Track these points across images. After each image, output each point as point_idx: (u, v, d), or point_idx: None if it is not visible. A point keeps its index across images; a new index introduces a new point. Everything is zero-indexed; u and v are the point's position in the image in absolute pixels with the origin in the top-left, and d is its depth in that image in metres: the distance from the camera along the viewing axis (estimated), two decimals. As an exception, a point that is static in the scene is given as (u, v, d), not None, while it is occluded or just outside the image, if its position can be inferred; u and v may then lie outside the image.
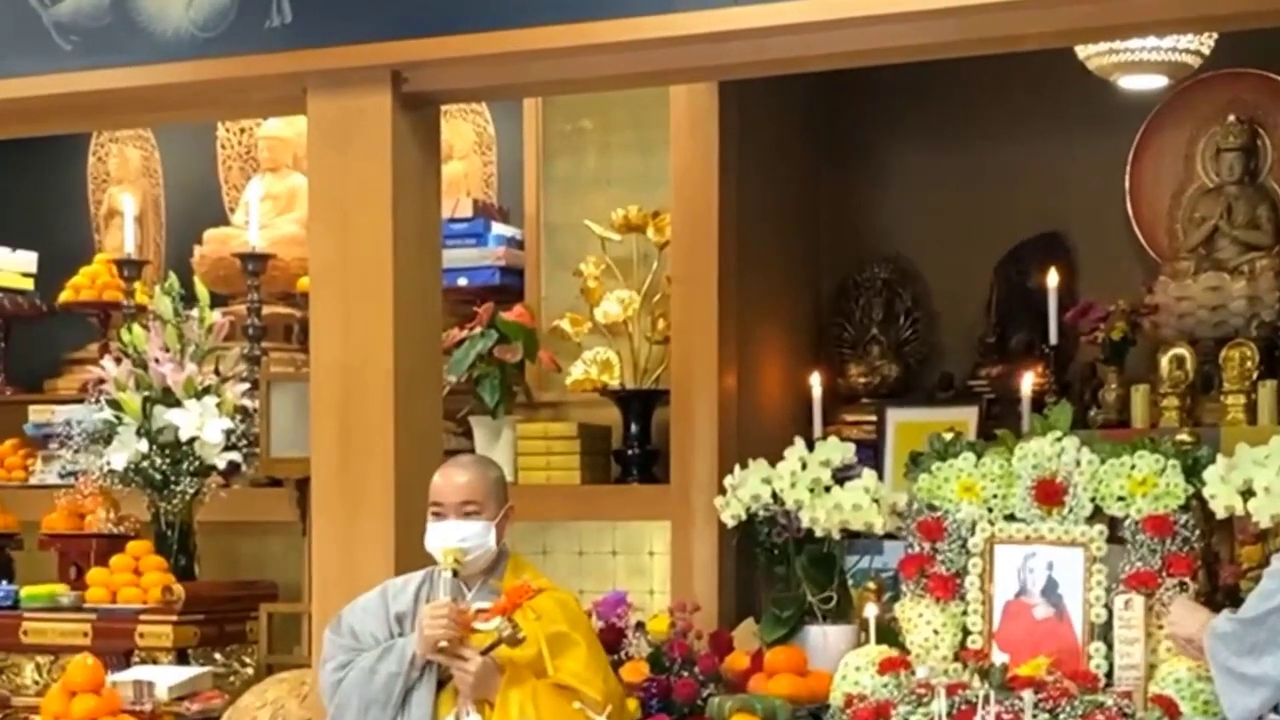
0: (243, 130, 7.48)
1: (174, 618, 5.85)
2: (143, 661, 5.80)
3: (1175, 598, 4.31)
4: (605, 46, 4.71)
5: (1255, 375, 5.88)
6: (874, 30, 4.49)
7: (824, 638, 4.91)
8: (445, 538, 4.27)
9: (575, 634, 4.22)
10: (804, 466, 4.99)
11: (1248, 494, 4.37)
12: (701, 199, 6.04)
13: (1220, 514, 4.42)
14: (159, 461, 6.00)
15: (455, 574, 4.24)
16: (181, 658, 5.83)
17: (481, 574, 4.34)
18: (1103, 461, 4.54)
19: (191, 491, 6.05)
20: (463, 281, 6.52)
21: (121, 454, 6.01)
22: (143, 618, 5.88)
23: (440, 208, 5.40)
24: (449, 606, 4.16)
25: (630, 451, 6.31)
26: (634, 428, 6.30)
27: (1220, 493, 4.41)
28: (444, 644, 4.15)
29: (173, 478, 6.01)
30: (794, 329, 6.62)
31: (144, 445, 6.02)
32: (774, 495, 4.98)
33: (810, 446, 5.04)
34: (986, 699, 4.14)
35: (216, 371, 6.22)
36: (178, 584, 5.93)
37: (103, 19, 5.22)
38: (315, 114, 5.10)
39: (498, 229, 6.66)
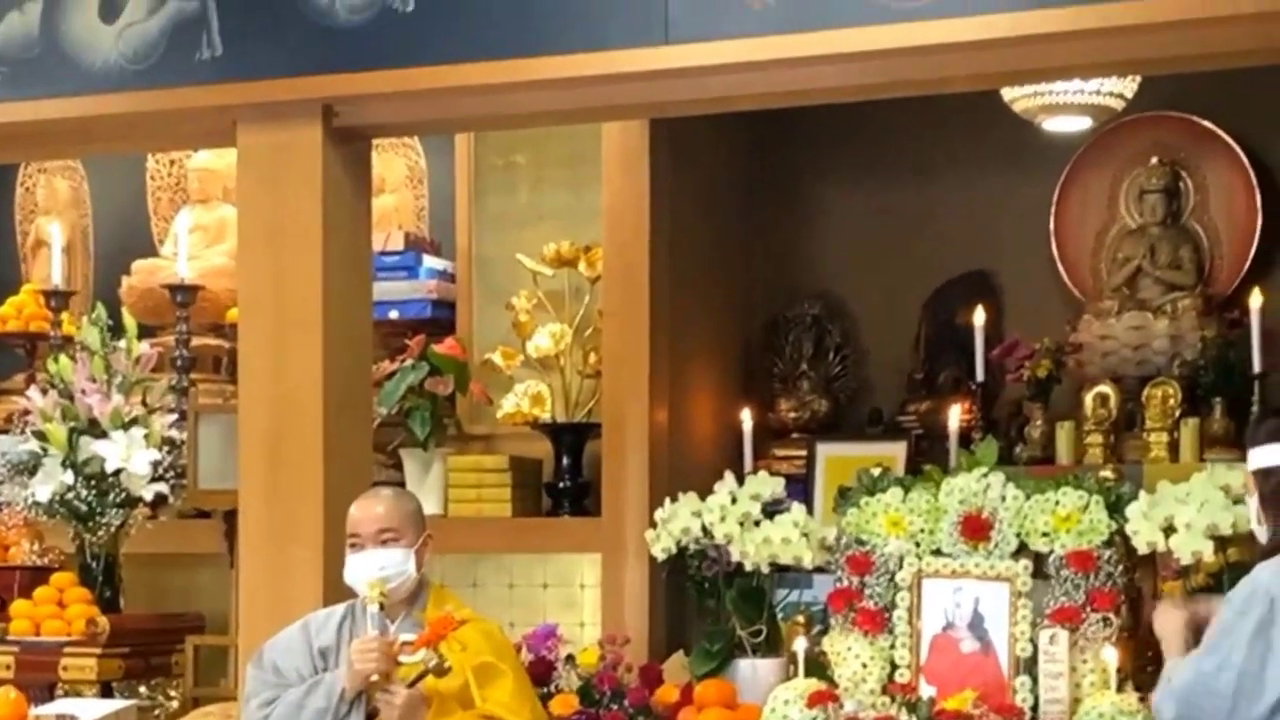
0: (172, 162, 7.46)
1: (98, 650, 5.79)
2: (67, 694, 5.74)
3: (1161, 600, 4.33)
4: (538, 83, 4.73)
5: (1177, 413, 5.95)
6: (805, 71, 4.54)
7: (753, 671, 4.92)
8: (365, 568, 4.27)
9: (502, 664, 4.23)
10: (734, 500, 5.01)
11: (1169, 530, 4.42)
12: (633, 234, 6.08)
13: (1143, 550, 4.47)
14: (85, 493, 5.95)
15: (381, 607, 4.24)
16: (106, 691, 5.77)
17: (404, 606, 4.34)
18: (1028, 497, 4.58)
19: (117, 523, 6.01)
20: (394, 314, 6.52)
21: (47, 485, 5.96)
22: (67, 650, 5.83)
23: (371, 241, 5.42)
24: (378, 640, 4.16)
25: (561, 484, 6.32)
26: (565, 461, 6.31)
27: (1143, 529, 4.46)
28: (373, 677, 4.15)
29: (98, 509, 5.96)
30: (725, 364, 6.66)
31: (69, 477, 5.97)
32: (704, 529, 5.00)
33: (740, 481, 5.07)
34: (913, 732, 4.17)
35: (144, 403, 6.18)
36: (102, 616, 5.88)
37: (32, 49, 5.20)
38: (245, 147, 5.10)
39: (429, 262, 6.67)
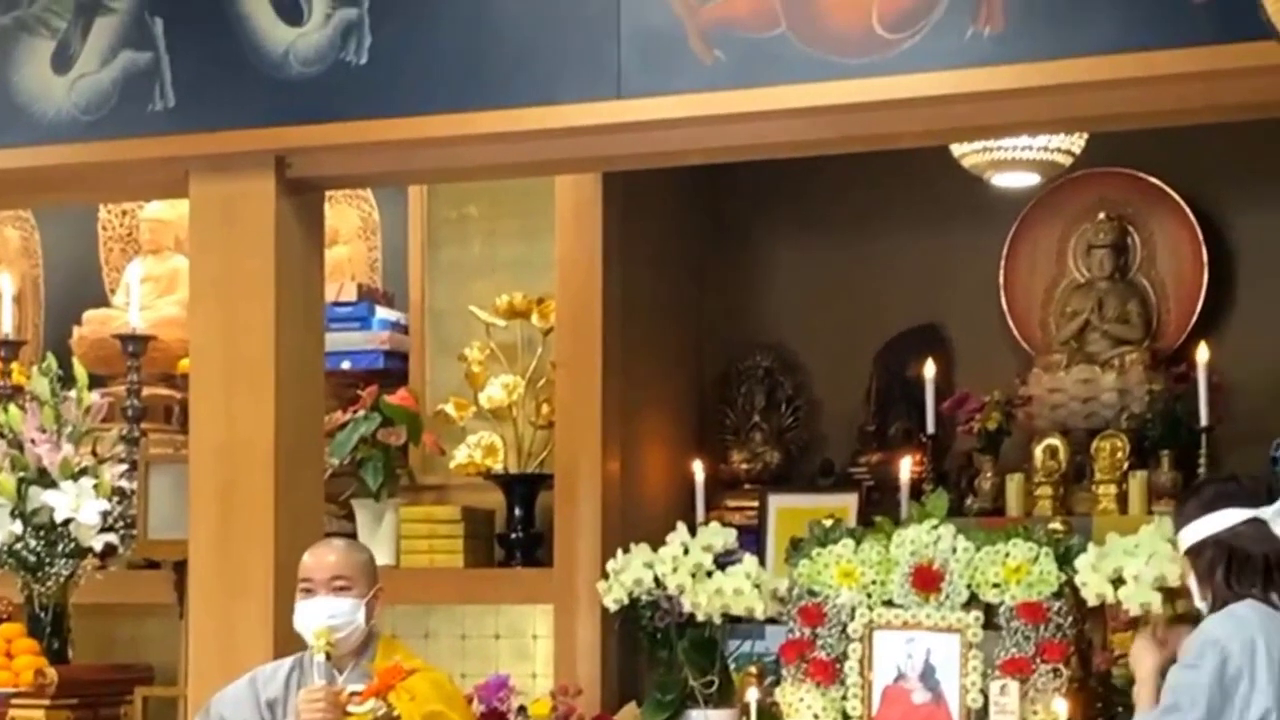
0: (124, 212, 7.44)
1: (46, 702, 5.74)
2: (14, 747, 5.70)
3: (1140, 631, 4.32)
4: (489, 137, 4.77)
5: (1126, 466, 6.00)
6: (755, 126, 4.58)
7: (705, 722, 4.93)
8: (315, 615, 4.27)
9: (452, 713, 4.23)
10: (686, 551, 5.02)
11: (1118, 582, 4.45)
12: (586, 286, 6.10)
13: (1092, 601, 4.50)
14: (34, 543, 5.91)
15: (328, 656, 4.23)
16: (54, 743, 5.73)
17: (353, 656, 4.33)
18: (978, 549, 4.61)
19: (66, 573, 5.97)
20: (346, 365, 6.51)
21: (-5, 535, 5.92)
22: (14, 702, 5.77)
23: (324, 292, 5.42)
24: (325, 690, 4.15)
25: (514, 535, 6.32)
26: (518, 511, 6.31)
27: (1092, 581, 4.49)
28: (322, 728, 4.14)
29: (47, 559, 5.92)
30: (677, 415, 6.67)
31: (18, 526, 5.93)
32: (656, 580, 5.00)
33: (693, 531, 5.08)
34: (864, 784, 4.18)
35: (94, 453, 6.16)
36: (50, 667, 5.83)
37: (-17, 100, 5.21)
38: (198, 198, 5.11)
39: (382, 313, 6.67)
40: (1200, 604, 3.91)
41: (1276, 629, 3.74)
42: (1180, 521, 3.98)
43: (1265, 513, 3.83)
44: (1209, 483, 4.28)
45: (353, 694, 4.18)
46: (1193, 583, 3.94)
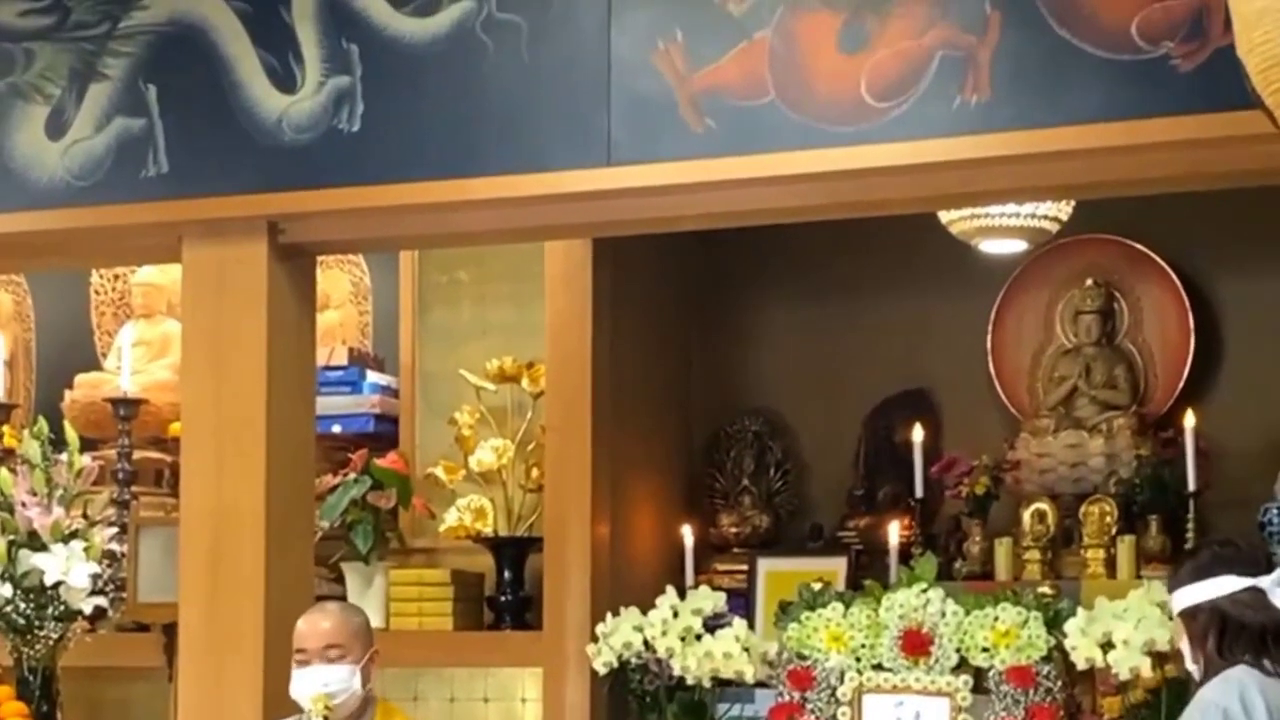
0: (116, 276, 7.46)
1: (34, 766, 5.73)
2: (0, 813, 5.67)
3: None
4: (480, 203, 4.80)
5: (1114, 530, 6.01)
6: (745, 193, 4.62)
7: (694, 787, 4.93)
8: (311, 684, 4.26)
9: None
10: (676, 615, 5.03)
11: (1107, 646, 4.47)
12: (576, 350, 6.12)
13: (1081, 665, 4.52)
14: (23, 606, 5.90)
15: (325, 720, 4.23)
16: (41, 808, 5.70)
17: (351, 721, 4.32)
18: (967, 613, 4.63)
19: (56, 636, 5.94)
20: (337, 429, 6.52)
21: (-16, 599, 5.91)
22: (2, 767, 5.76)
23: (315, 356, 5.44)
24: (320, 755, 4.15)
25: (503, 598, 6.31)
26: (507, 574, 6.31)
27: (1081, 645, 4.50)
28: (317, 793, 4.14)
29: (37, 622, 5.89)
30: (666, 479, 6.68)
31: (8, 590, 5.91)
32: (646, 643, 5.01)
33: (682, 595, 5.09)
34: None
35: (85, 515, 6.15)
36: (39, 732, 5.82)
37: (-25, 164, 5.24)
38: (191, 263, 5.13)
39: (373, 377, 6.68)
40: (1191, 667, 3.91)
41: (1273, 688, 3.73)
42: (1174, 584, 3.96)
43: (1264, 582, 3.83)
44: (1206, 546, 4.27)
45: (348, 759, 4.18)
46: (1185, 646, 3.93)
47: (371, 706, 4.37)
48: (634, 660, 5.03)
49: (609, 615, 5.15)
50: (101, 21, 5.12)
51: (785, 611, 4.85)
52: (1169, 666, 4.46)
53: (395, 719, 4.37)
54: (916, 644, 4.62)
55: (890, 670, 4.65)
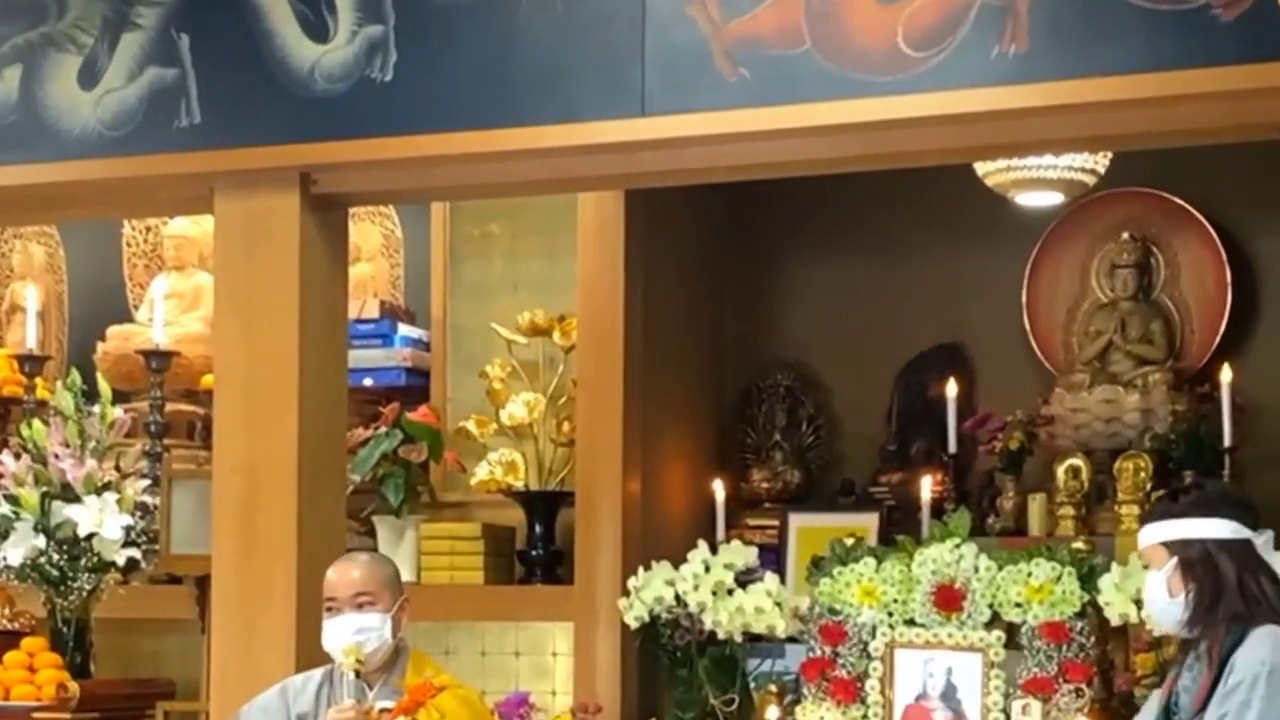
0: (148, 228, 7.47)
1: (68, 716, 5.74)
2: (35, 761, 5.71)
3: None
4: (513, 154, 4.78)
5: (1148, 486, 5.97)
6: (779, 144, 4.59)
7: (725, 741, 4.93)
8: (341, 633, 4.27)
9: (479, 732, 4.22)
10: (707, 569, 5.02)
11: (1141, 602, 4.44)
12: (608, 304, 6.10)
13: (1115, 621, 4.50)
14: (56, 557, 5.93)
15: (357, 674, 4.23)
16: (75, 758, 5.74)
17: (382, 672, 4.33)
18: (1000, 568, 4.61)
19: (89, 588, 5.98)
20: (368, 382, 6.53)
21: (18, 549, 5.93)
22: (36, 715, 5.78)
23: (347, 309, 5.43)
24: (355, 708, 4.15)
25: (534, 552, 6.32)
26: (538, 529, 6.32)
27: (1115, 600, 4.49)
28: (350, 745, 4.14)
29: (70, 574, 5.94)
30: (698, 434, 6.67)
31: (41, 541, 5.95)
32: (677, 597, 5.01)
33: (713, 550, 5.08)
34: (885, 803, 4.18)
35: (117, 468, 6.17)
36: (73, 681, 5.84)
37: (9, 116, 5.23)
38: (223, 214, 5.12)
39: (404, 330, 6.68)
40: (1167, 602, 3.80)
41: None
42: (1171, 513, 3.84)
43: (1256, 539, 3.77)
44: (1213, 486, 4.18)
45: (382, 711, 4.19)
46: (1161, 576, 3.80)
47: (403, 656, 4.38)
48: (665, 615, 5.03)
49: (640, 569, 5.15)
50: (134, -30, 5.11)
51: (817, 566, 4.84)
52: (1204, 623, 4.43)
53: (428, 669, 4.37)
54: (949, 599, 4.61)
55: (922, 625, 4.65)
